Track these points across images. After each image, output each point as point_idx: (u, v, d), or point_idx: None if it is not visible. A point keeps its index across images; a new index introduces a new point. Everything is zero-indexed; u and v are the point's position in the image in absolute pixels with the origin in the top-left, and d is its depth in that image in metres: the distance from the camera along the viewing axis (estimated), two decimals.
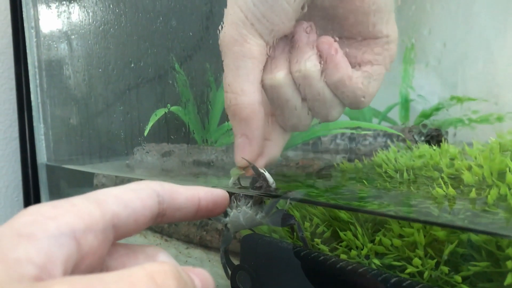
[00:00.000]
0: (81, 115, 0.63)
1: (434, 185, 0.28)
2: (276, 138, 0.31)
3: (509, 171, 0.26)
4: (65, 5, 0.60)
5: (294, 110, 0.29)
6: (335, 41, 0.27)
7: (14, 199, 0.70)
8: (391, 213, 0.27)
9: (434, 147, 0.36)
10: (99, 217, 0.16)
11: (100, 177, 0.60)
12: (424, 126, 0.44)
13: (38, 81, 0.66)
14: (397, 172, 0.34)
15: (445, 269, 0.25)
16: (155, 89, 0.52)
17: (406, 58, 0.45)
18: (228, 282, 0.31)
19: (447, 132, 0.44)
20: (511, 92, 0.37)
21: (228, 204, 0.23)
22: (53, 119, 0.66)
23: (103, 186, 0.59)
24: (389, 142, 0.45)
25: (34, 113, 0.66)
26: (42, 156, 0.66)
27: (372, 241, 0.28)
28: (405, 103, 0.51)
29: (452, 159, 0.33)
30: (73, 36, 0.61)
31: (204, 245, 0.50)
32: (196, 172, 0.48)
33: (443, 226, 0.25)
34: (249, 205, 0.29)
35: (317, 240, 0.30)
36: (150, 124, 0.47)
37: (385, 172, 0.35)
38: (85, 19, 0.57)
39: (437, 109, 0.45)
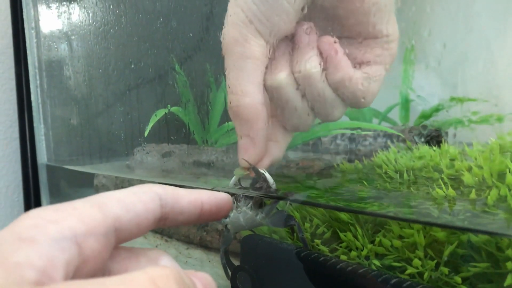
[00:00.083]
0: (81, 115, 0.63)
1: (434, 186, 0.28)
2: (279, 139, 0.31)
3: (509, 172, 0.26)
4: (65, 5, 0.60)
5: (295, 110, 0.29)
6: (335, 41, 0.27)
7: (15, 200, 0.70)
8: (391, 214, 0.27)
9: (434, 148, 0.36)
10: (101, 221, 0.16)
11: (100, 178, 0.60)
12: (424, 127, 0.44)
13: (38, 82, 0.66)
14: (397, 173, 0.34)
15: (445, 270, 0.25)
16: (155, 90, 0.52)
17: (406, 59, 0.45)
18: (228, 283, 0.31)
19: (447, 133, 0.44)
20: (511, 93, 0.37)
21: (231, 208, 0.23)
22: (54, 119, 0.66)
23: (103, 186, 0.59)
24: (389, 142, 0.45)
25: (34, 113, 0.66)
26: (42, 157, 0.66)
27: (372, 242, 0.28)
28: (405, 104, 0.51)
29: (452, 160, 0.33)
30: (73, 37, 0.61)
31: (204, 246, 0.50)
32: (196, 172, 0.48)
33: (443, 227, 0.25)
34: (249, 205, 0.29)
35: (317, 241, 0.30)
36: (150, 124, 0.47)
37: (385, 172, 0.35)
38: (85, 20, 0.57)
39: (437, 110, 0.45)
